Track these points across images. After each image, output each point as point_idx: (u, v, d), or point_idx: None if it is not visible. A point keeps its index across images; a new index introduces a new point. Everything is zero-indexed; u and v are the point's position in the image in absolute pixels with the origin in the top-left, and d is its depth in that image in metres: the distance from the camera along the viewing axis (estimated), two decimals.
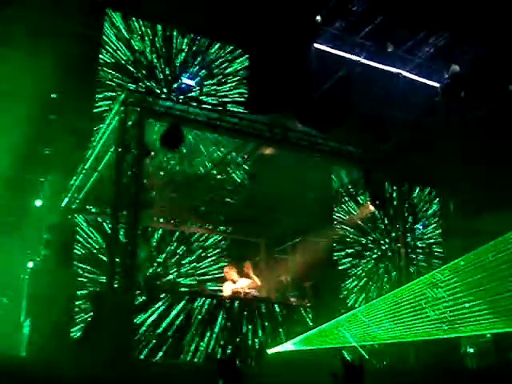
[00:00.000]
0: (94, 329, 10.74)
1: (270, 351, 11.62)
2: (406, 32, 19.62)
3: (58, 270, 13.38)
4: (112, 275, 10.53)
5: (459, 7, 17.74)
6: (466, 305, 18.36)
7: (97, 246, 15.59)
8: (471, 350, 16.44)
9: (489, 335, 16.54)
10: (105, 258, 14.78)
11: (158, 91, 16.82)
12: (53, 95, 15.76)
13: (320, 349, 11.81)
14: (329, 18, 19.37)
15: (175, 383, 8.78)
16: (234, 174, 15.22)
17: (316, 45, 19.71)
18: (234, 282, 13.21)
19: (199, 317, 11.29)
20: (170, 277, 16.30)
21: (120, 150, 11.24)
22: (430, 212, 20.26)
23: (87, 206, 15.36)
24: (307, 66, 18.32)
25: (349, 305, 17.42)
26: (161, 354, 10.71)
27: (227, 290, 13.08)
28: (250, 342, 11.70)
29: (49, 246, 14.48)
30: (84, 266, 15.08)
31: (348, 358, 10.24)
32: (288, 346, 11.81)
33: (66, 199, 14.78)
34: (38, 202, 15.79)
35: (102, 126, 12.93)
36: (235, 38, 18.20)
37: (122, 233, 10.82)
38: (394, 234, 15.16)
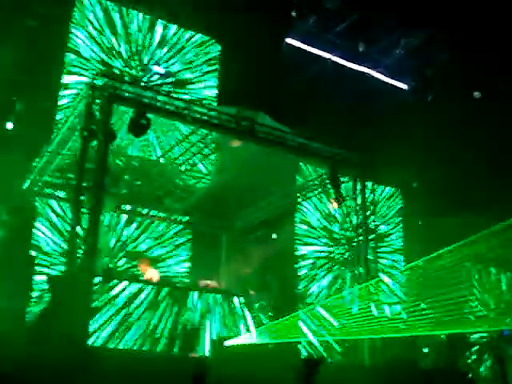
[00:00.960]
0: (52, 312, 10.60)
1: (227, 343, 11.66)
2: (378, 32, 19.73)
3: (14, 253, 13.19)
4: (72, 259, 10.47)
5: (435, 8, 17.92)
6: (423, 305, 18.71)
7: (56, 231, 15.32)
8: (426, 350, 16.73)
9: (443, 336, 16.87)
10: (62, 244, 14.65)
11: (127, 78, 16.60)
12: (18, 75, 15.42)
13: (278, 343, 11.88)
14: (302, 14, 19.36)
15: (131, 371, 8.69)
16: (199, 164, 15.13)
17: (288, 39, 19.71)
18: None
19: (157, 306, 11.36)
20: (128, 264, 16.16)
21: (85, 134, 11.12)
22: (392, 212, 20.48)
23: (48, 190, 15.18)
24: (278, 60, 18.31)
25: (309, 300, 17.52)
26: (115, 340, 10.77)
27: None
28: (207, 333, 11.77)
29: (6, 227, 14.25)
30: (43, 250, 14.81)
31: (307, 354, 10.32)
32: (246, 339, 11.86)
33: (28, 181, 14.57)
34: None
35: (68, 108, 12.80)
36: (208, 28, 18.07)
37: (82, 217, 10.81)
38: (354, 232, 15.34)
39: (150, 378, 8.48)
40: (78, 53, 16.33)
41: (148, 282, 12.13)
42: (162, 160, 14.95)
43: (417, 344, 16.09)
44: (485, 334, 17.62)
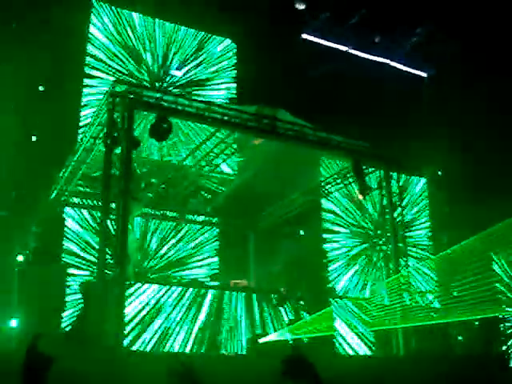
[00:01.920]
0: (86, 317, 10.76)
1: (261, 340, 11.71)
2: (392, 22, 19.59)
3: (48, 263, 13.40)
4: (103, 266, 10.59)
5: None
6: (454, 293, 18.59)
7: (85, 239, 15.46)
8: (460, 338, 16.63)
9: (476, 323, 16.75)
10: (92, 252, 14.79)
11: (146, 83, 16.71)
12: (40, 87, 15.60)
13: (313, 337, 11.89)
14: (315, 9, 19.30)
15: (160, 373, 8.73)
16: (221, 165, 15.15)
17: (304, 35, 19.65)
18: None
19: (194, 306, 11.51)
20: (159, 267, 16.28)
21: (109, 141, 11.24)
22: (420, 202, 20.32)
23: (75, 199, 15.37)
24: (295, 57, 18.26)
25: (340, 293, 17.45)
26: (151, 343, 10.90)
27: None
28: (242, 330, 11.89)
29: (38, 239, 14.47)
30: (73, 258, 14.98)
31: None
32: (280, 336, 11.89)
33: (55, 192, 14.75)
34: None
35: (90, 117, 12.91)
36: (223, 29, 18.11)
37: (110, 224, 10.94)
38: (382, 224, 15.27)
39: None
40: (97, 62, 16.47)
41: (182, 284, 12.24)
42: (185, 163, 14.97)
43: (450, 332, 16.00)
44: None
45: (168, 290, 11.55)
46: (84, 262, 14.93)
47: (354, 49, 20.55)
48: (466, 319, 14.43)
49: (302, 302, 13.07)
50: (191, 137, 14.90)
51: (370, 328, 13.80)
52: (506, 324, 17.42)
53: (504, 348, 17.09)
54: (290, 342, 11.45)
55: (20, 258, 14.38)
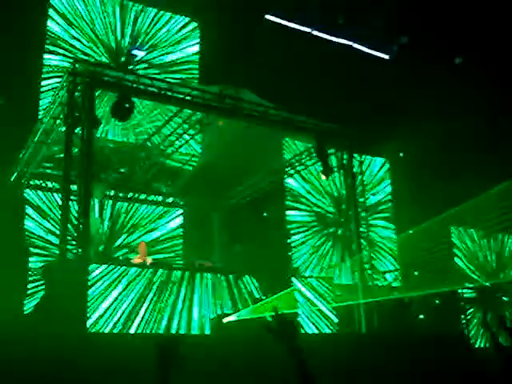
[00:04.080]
0: (47, 301, 10.66)
1: (225, 320, 11.77)
2: (355, 3, 19.68)
3: (7, 245, 13.20)
4: (64, 248, 10.49)
5: None
6: (415, 273, 18.99)
7: (46, 222, 15.28)
8: (421, 317, 17.00)
9: (437, 301, 17.15)
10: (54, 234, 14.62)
11: (108, 62, 16.46)
12: None
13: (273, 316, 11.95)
14: None
15: (126, 356, 8.71)
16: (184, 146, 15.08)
17: (267, 16, 19.61)
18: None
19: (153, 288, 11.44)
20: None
21: (69, 121, 11.08)
22: (382, 182, 20.58)
23: (37, 181, 15.15)
24: (259, 37, 18.20)
25: (304, 273, 17.62)
26: (112, 325, 10.84)
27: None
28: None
29: None
30: (34, 241, 14.80)
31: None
32: (244, 315, 11.96)
33: (15, 173, 14.52)
34: None
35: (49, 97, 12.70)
36: (185, 7, 17.91)
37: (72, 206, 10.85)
38: (344, 206, 15.42)
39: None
40: (56, 39, 16.14)
41: (143, 266, 12.17)
42: (148, 143, 14.87)
43: (412, 311, 16.34)
44: (472, 294, 18.02)
45: (130, 271, 11.47)
46: (47, 244, 14.77)
47: (317, 30, 20.62)
48: (425, 293, 14.79)
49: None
50: (155, 116, 14.73)
51: (333, 306, 14.01)
52: (466, 305, 17.88)
53: (464, 327, 17.55)
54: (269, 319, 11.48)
55: None
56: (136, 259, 13.07)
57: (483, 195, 14.99)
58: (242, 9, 17.72)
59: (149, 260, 13.02)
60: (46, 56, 15.81)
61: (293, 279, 14.02)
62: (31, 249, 14.44)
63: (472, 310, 18.18)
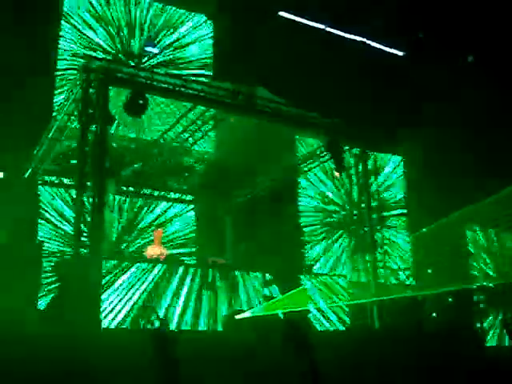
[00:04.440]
0: (61, 297, 10.71)
1: (238, 317, 11.78)
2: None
3: (21, 241, 13.26)
4: (78, 244, 10.52)
5: None
6: (429, 271, 18.86)
7: (61, 218, 15.34)
8: (434, 315, 16.89)
9: (450, 300, 17.02)
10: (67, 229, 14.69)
11: (122, 58, 16.48)
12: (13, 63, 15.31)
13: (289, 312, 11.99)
14: None
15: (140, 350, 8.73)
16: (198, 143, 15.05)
17: (281, 13, 19.56)
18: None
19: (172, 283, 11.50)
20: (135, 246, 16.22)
21: (84, 118, 11.11)
22: (395, 181, 20.42)
23: (50, 177, 15.21)
24: (271, 34, 18.14)
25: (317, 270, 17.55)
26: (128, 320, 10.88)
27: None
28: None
29: (11, 217, 14.28)
30: (49, 237, 14.86)
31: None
32: (254, 312, 11.96)
33: (29, 170, 14.58)
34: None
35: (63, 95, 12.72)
36: (199, 5, 17.91)
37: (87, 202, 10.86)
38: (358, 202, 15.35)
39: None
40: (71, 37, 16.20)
41: (157, 261, 12.20)
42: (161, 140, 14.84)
43: (425, 309, 16.23)
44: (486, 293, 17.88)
45: (145, 267, 11.51)
46: (61, 239, 14.84)
47: (331, 27, 20.55)
48: (438, 292, 14.71)
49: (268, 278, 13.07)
50: (168, 113, 14.72)
51: (346, 303, 13.95)
52: (480, 304, 17.74)
53: (478, 325, 17.41)
54: (281, 317, 11.51)
55: None
56: (151, 249, 13.08)
57: (499, 194, 14.88)
58: (255, 7, 17.68)
59: (164, 251, 13.03)
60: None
61: (305, 277, 13.96)
62: (45, 245, 14.49)
63: (485, 307, 18.02)
